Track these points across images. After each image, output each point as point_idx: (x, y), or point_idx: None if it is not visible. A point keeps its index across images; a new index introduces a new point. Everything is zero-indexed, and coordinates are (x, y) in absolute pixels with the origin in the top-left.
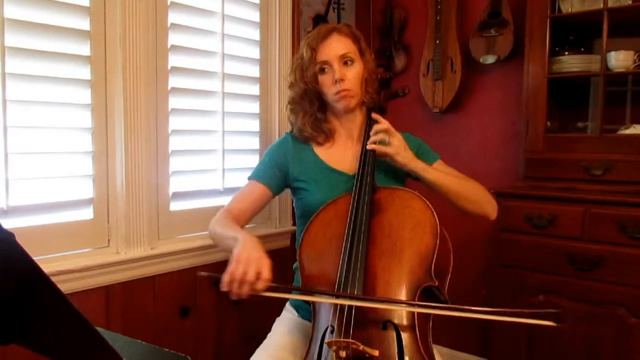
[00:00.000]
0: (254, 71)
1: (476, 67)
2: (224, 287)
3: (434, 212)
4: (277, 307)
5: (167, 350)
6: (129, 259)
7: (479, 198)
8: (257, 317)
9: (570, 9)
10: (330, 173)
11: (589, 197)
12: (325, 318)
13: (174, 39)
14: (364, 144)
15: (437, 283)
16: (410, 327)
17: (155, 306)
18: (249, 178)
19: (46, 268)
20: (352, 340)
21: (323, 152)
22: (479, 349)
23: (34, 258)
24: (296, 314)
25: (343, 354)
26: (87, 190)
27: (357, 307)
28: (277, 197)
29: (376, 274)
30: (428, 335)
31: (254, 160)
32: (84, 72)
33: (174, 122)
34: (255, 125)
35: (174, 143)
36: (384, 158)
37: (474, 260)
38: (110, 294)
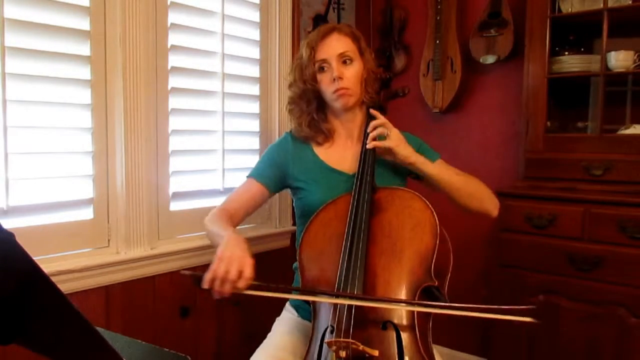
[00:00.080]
0: (254, 71)
1: (476, 67)
2: (205, 285)
3: (434, 212)
4: (277, 307)
5: (167, 350)
6: (129, 259)
7: (480, 195)
8: (257, 317)
9: (570, 9)
10: (329, 173)
11: (589, 197)
12: (325, 318)
13: (174, 39)
14: (364, 144)
15: (437, 283)
16: (410, 327)
17: (155, 306)
18: (248, 176)
19: (46, 268)
20: (352, 340)
21: (322, 152)
22: (479, 349)
23: (34, 258)
24: (296, 314)
25: (343, 354)
26: (87, 190)
27: (357, 307)
28: (277, 197)
29: (376, 274)
30: (428, 335)
31: (254, 160)
32: (84, 72)
33: (174, 122)
34: (255, 125)
35: (174, 143)
36: (384, 155)
37: (474, 260)
38: (110, 294)
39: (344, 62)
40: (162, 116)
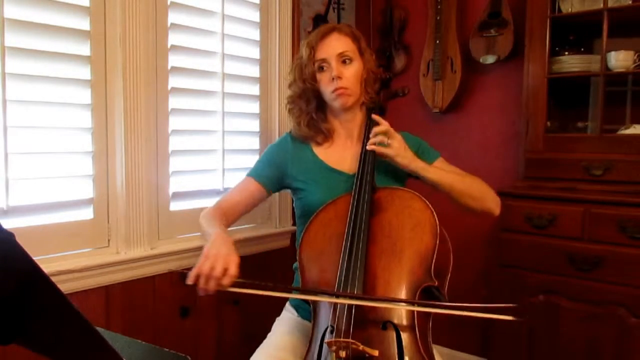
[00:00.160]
0: (254, 71)
1: (476, 67)
2: (189, 281)
3: (434, 212)
4: (277, 307)
5: (167, 350)
6: (129, 259)
7: (482, 194)
8: (257, 317)
9: (570, 9)
10: (329, 172)
11: (589, 197)
12: (325, 318)
13: (174, 39)
14: (364, 144)
15: (437, 283)
16: (410, 327)
17: (155, 306)
18: (247, 175)
19: (46, 268)
20: (352, 340)
21: (322, 152)
22: (479, 349)
23: (34, 258)
24: (296, 314)
25: (343, 354)
26: (87, 190)
27: (357, 307)
28: (277, 197)
29: (376, 274)
30: (428, 335)
31: (253, 161)
32: (84, 72)
33: (174, 122)
34: (255, 125)
35: (174, 143)
36: (384, 158)
37: (474, 260)
38: (110, 294)
39: (344, 62)
40: (162, 116)
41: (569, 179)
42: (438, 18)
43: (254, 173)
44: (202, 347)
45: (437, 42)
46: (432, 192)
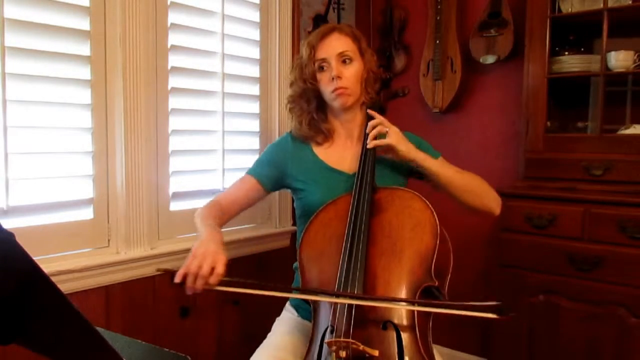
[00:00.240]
0: (254, 71)
1: (476, 67)
2: (177, 280)
3: (434, 212)
4: (277, 307)
5: (167, 350)
6: (129, 259)
7: (482, 192)
8: (257, 317)
9: (570, 9)
10: (329, 172)
11: (589, 197)
12: (325, 318)
13: (174, 39)
14: (364, 144)
15: (437, 283)
16: (410, 327)
17: (155, 306)
18: (246, 173)
19: (46, 268)
20: (352, 340)
21: (322, 152)
22: (479, 349)
23: (34, 258)
24: (296, 313)
25: (343, 354)
26: (87, 190)
27: (357, 306)
28: (277, 197)
29: (376, 274)
30: (428, 335)
31: (253, 161)
32: (84, 72)
33: (174, 122)
34: (255, 125)
35: (174, 143)
36: (385, 154)
37: (474, 260)
38: (110, 294)
39: (344, 62)
40: (162, 116)
41: (569, 179)
42: (438, 18)
43: (253, 171)
44: (202, 347)
45: (437, 42)
46: (432, 192)
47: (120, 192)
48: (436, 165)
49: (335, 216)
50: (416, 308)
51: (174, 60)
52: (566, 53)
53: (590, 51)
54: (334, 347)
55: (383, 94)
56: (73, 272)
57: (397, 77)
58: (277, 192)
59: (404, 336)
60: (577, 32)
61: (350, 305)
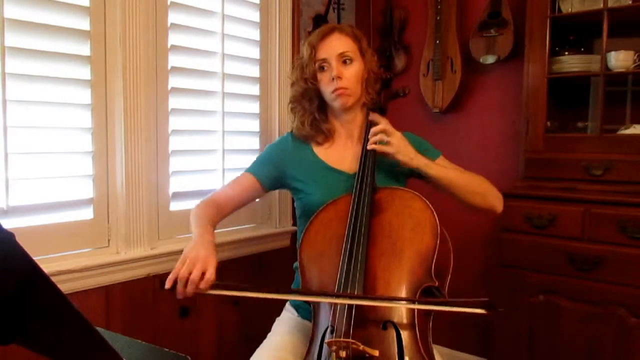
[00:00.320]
0: (254, 71)
1: (476, 67)
2: (167, 285)
3: (434, 212)
4: (277, 307)
5: (167, 350)
6: (129, 259)
7: (484, 191)
8: (257, 317)
9: (570, 9)
10: (329, 172)
11: (589, 197)
12: (325, 318)
13: (174, 39)
14: (364, 144)
15: (437, 283)
16: (410, 327)
17: (155, 306)
18: (245, 171)
19: (46, 268)
20: (352, 340)
21: (322, 152)
22: (479, 349)
23: (34, 258)
24: (296, 314)
25: (343, 354)
26: (87, 190)
27: (357, 307)
28: (277, 197)
29: (376, 274)
30: (428, 335)
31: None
32: (84, 72)
33: (174, 122)
34: (255, 125)
35: (174, 143)
36: (385, 156)
37: (474, 260)
38: (110, 294)
39: (344, 62)
40: (162, 116)
41: (569, 179)
42: (438, 18)
43: (253, 169)
44: (202, 347)
45: (437, 42)
46: (433, 192)
47: (120, 192)
48: (438, 170)
49: (336, 216)
50: (405, 305)
51: (174, 60)
52: (566, 53)
53: (590, 51)
54: (334, 347)
55: (384, 94)
56: (73, 272)
57: (397, 77)
58: (277, 192)
59: (404, 336)
60: (577, 32)
61: (350, 306)
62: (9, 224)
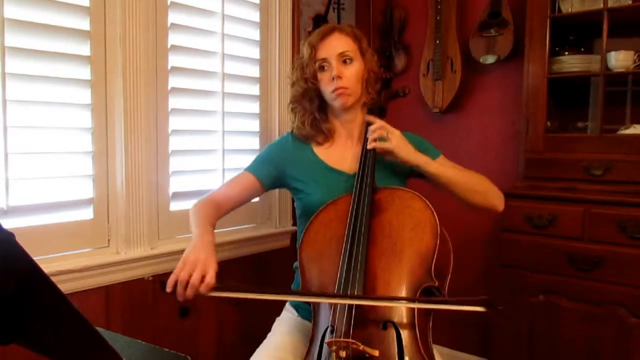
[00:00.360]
0: (254, 71)
1: (476, 67)
2: (168, 289)
3: (434, 212)
4: (277, 307)
5: (167, 350)
6: (129, 259)
7: (484, 189)
8: (257, 317)
9: (570, 9)
10: (329, 172)
11: (589, 197)
12: (325, 318)
13: (174, 39)
14: (364, 145)
15: (437, 283)
16: (410, 327)
17: (155, 306)
18: (244, 169)
19: (46, 268)
20: (352, 340)
21: (322, 152)
22: (479, 349)
23: (34, 258)
24: (296, 314)
25: (343, 354)
26: (87, 190)
27: (357, 307)
28: (277, 197)
29: (376, 275)
30: (428, 335)
31: None
32: (84, 72)
33: (174, 122)
34: (255, 125)
35: (174, 143)
36: (386, 156)
37: (474, 260)
38: (110, 294)
39: (344, 62)
40: (162, 116)
41: (569, 179)
42: (438, 18)
43: (252, 168)
44: (202, 347)
45: (437, 42)
46: (433, 192)
47: (120, 192)
48: (438, 169)
49: (336, 216)
50: (405, 305)
51: (174, 60)
52: (566, 53)
53: (590, 51)
54: (334, 347)
55: (383, 94)
56: (73, 272)
57: (397, 77)
58: (277, 192)
59: (404, 336)
60: (577, 32)
61: (350, 305)
62: (9, 224)
